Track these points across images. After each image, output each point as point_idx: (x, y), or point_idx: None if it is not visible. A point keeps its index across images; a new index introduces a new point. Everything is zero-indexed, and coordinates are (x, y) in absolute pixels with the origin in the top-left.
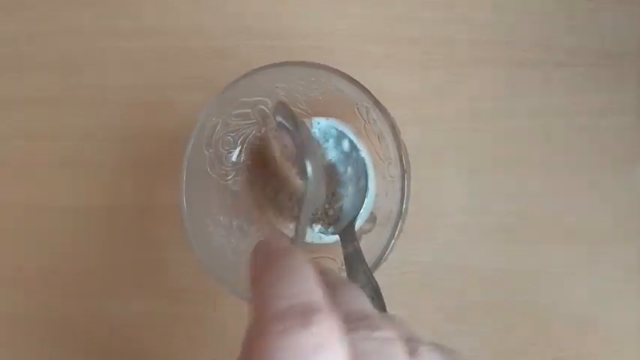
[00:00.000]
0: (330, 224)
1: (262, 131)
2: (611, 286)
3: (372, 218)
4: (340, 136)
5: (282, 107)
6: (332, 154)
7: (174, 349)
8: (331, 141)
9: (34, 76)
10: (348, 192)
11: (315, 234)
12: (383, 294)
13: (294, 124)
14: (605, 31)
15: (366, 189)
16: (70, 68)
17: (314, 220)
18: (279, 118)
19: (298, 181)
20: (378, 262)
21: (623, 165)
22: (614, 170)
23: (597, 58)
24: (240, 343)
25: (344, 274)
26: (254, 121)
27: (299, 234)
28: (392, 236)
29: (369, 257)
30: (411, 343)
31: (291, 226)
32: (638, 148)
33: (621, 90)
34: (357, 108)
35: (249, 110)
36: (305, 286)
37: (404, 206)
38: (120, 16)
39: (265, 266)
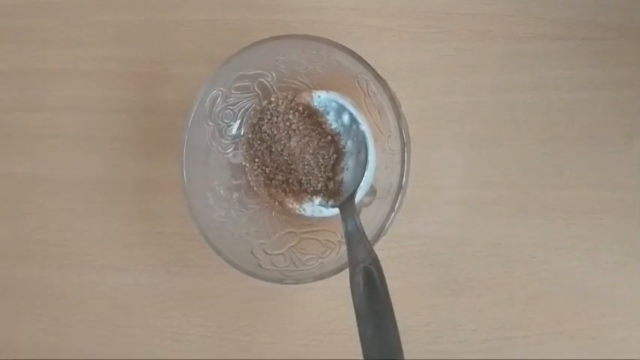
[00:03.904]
0: (330, 197)
1: (262, 104)
2: (611, 260)
3: (372, 191)
4: (340, 109)
5: None
6: (332, 128)
7: (173, 322)
8: (331, 114)
9: (33, 49)
10: (349, 165)
11: (315, 207)
12: (383, 267)
13: None
14: (605, 4)
15: (366, 162)
16: (69, 41)
17: (314, 193)
18: None
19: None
20: (377, 236)
21: (623, 138)
22: (614, 144)
23: (597, 32)
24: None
25: (344, 247)
26: (254, 94)
27: None
28: (392, 209)
29: (369, 230)
30: None
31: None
32: (638, 122)
33: (621, 64)
34: (358, 81)
35: (249, 83)
36: None
37: (404, 179)
38: None
39: None
